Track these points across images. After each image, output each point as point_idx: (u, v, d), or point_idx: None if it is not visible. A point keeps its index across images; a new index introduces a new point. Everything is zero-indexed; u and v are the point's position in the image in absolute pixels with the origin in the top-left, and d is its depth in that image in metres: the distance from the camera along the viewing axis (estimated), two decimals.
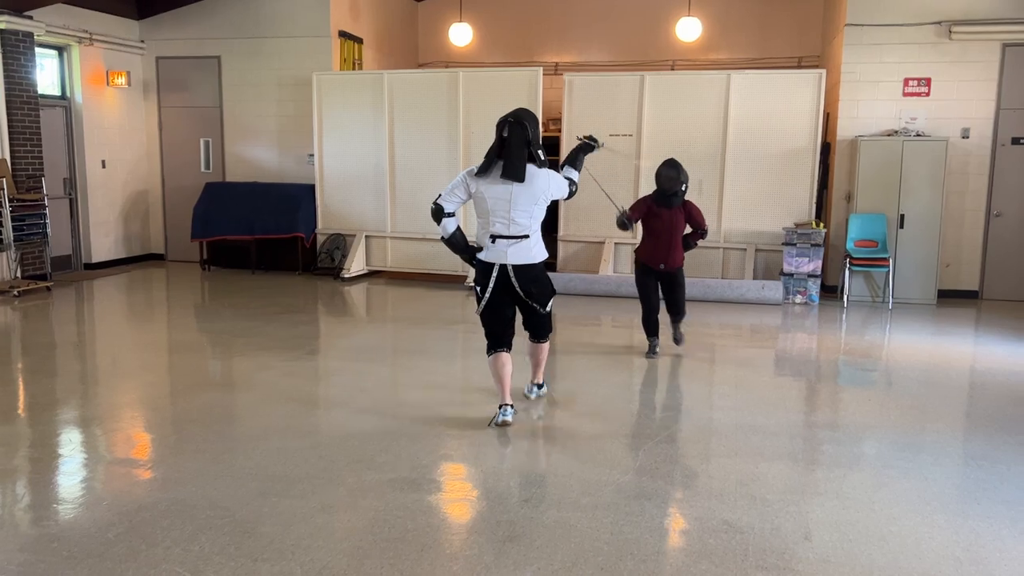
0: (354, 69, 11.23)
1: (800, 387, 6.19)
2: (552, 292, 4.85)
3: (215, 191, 10.87)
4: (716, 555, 3.27)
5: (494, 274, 4.64)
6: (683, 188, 6.35)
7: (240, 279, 10.31)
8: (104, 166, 10.91)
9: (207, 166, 11.47)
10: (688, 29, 10.58)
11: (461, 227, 4.82)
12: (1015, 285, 9.34)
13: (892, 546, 3.36)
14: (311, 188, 10.64)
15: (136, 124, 11.46)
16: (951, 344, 7.42)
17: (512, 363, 4.84)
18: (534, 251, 4.67)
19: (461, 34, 11.39)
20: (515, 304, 4.81)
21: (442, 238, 4.77)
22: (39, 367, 6.30)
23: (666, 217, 6.34)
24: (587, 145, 5.44)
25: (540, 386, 5.32)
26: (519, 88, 9.73)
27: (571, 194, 4.99)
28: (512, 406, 4.81)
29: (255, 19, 11.02)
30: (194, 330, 7.99)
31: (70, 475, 4.16)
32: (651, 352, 6.59)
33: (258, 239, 10.61)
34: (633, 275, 6.92)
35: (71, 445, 4.60)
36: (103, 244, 11.02)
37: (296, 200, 10.53)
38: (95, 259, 10.87)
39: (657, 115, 9.71)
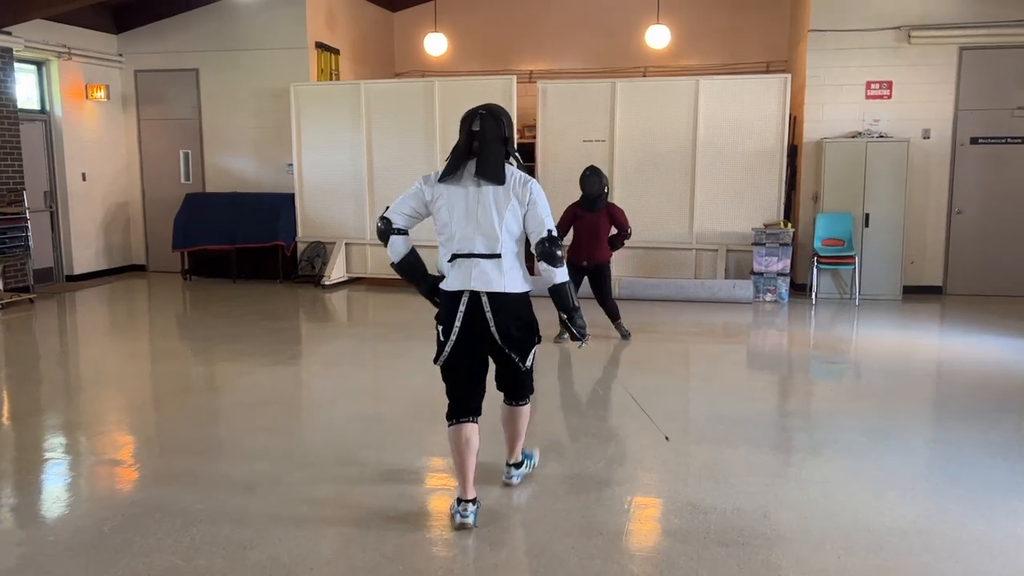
0: (331, 79, 11.40)
1: (769, 379, 6.44)
2: (536, 339, 3.63)
3: (196, 201, 11.00)
4: (680, 533, 3.47)
5: (461, 308, 3.45)
6: (605, 192, 7.14)
7: (222, 288, 10.43)
8: (84, 179, 11.02)
9: (187, 177, 11.59)
10: (657, 36, 10.83)
11: (416, 249, 3.69)
12: (977, 280, 9.64)
13: (844, 520, 3.58)
14: (291, 197, 10.80)
15: (115, 137, 11.57)
16: (916, 337, 7.70)
17: (479, 437, 3.60)
18: (508, 275, 3.46)
19: (435, 44, 11.59)
20: (487, 353, 3.58)
21: (392, 264, 3.65)
22: (26, 376, 6.42)
23: (590, 220, 7.06)
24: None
25: (518, 465, 3.99)
26: (494, 96, 9.85)
27: (544, 254, 3.49)
28: (475, 502, 3.54)
29: (232, 32, 11.17)
30: (178, 338, 8.13)
31: (60, 476, 4.30)
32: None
33: (239, 248, 10.74)
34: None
35: (59, 448, 4.74)
36: (84, 256, 11.11)
37: (276, 209, 10.68)
38: (76, 271, 10.96)
39: (629, 121, 9.95)
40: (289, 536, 3.45)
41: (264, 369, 6.50)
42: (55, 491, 4.11)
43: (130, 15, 11.34)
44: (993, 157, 9.46)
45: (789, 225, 9.40)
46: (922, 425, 5.16)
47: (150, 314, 9.50)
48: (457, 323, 3.46)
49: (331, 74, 11.46)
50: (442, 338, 3.51)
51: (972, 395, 5.75)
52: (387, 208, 3.61)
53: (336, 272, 10.50)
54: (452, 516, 3.54)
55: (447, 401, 3.62)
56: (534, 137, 10.44)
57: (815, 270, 9.34)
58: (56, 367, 6.90)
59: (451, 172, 3.53)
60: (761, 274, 9.29)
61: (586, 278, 7.15)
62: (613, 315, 7.33)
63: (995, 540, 3.40)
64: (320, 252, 10.72)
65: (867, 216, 9.36)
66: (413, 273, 3.65)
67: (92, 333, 8.55)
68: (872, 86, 9.58)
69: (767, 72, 11.67)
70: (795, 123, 10.06)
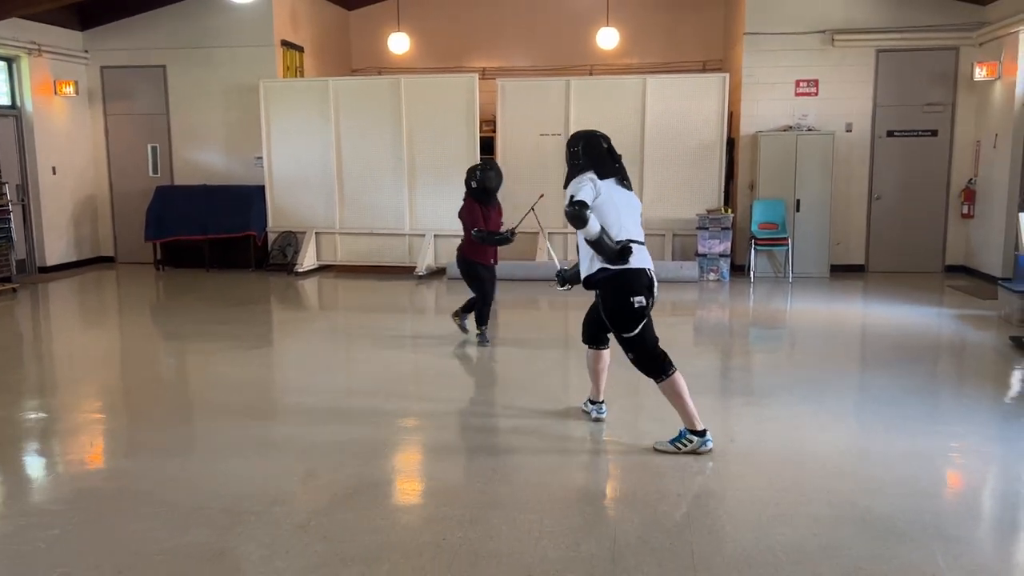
0: (296, 76, 11.90)
1: (719, 343, 7.33)
2: None
3: (167, 194, 11.39)
4: (658, 458, 4.26)
5: (656, 281, 4.32)
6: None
7: (195, 278, 10.86)
8: (55, 172, 11.29)
9: (155, 170, 11.94)
10: (607, 38, 11.66)
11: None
12: (894, 259, 10.74)
13: (796, 442, 4.45)
14: (261, 189, 11.28)
15: (83, 131, 11.85)
16: (843, 308, 8.73)
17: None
18: None
19: (399, 43, 12.17)
20: None
21: (589, 239, 4.16)
22: (24, 358, 6.88)
23: (492, 216, 6.84)
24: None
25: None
26: (457, 93, 10.64)
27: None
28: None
29: (199, 30, 11.56)
30: (165, 324, 8.57)
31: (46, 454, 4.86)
32: (484, 340, 6.90)
33: (211, 239, 11.18)
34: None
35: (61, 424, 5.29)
36: (56, 248, 11.39)
37: (248, 200, 11.15)
38: (49, 262, 11.24)
39: (582, 116, 10.71)
40: (274, 501, 4.10)
41: (244, 352, 7.09)
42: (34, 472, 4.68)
43: (95, 12, 11.61)
44: (906, 148, 10.56)
45: (729, 211, 10.34)
46: (851, 376, 6.10)
47: (133, 302, 9.88)
48: (655, 293, 4.31)
49: (296, 71, 11.95)
50: (644, 310, 4.26)
51: (891, 352, 6.74)
52: (572, 196, 4.16)
53: (308, 260, 11.04)
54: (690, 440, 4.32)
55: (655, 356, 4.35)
56: (492, 131, 11.16)
57: (753, 251, 10.30)
58: (53, 351, 7.35)
59: (608, 175, 4.38)
60: (705, 255, 10.20)
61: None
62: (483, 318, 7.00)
63: (914, 453, 4.29)
64: (291, 241, 11.24)
65: (798, 202, 10.36)
66: (608, 247, 4.17)
67: (81, 319, 8.95)
68: (801, 84, 10.58)
69: (703, 71, 12.64)
70: (732, 118, 11.00)
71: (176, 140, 11.88)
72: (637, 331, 4.29)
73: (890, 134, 10.56)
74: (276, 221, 11.34)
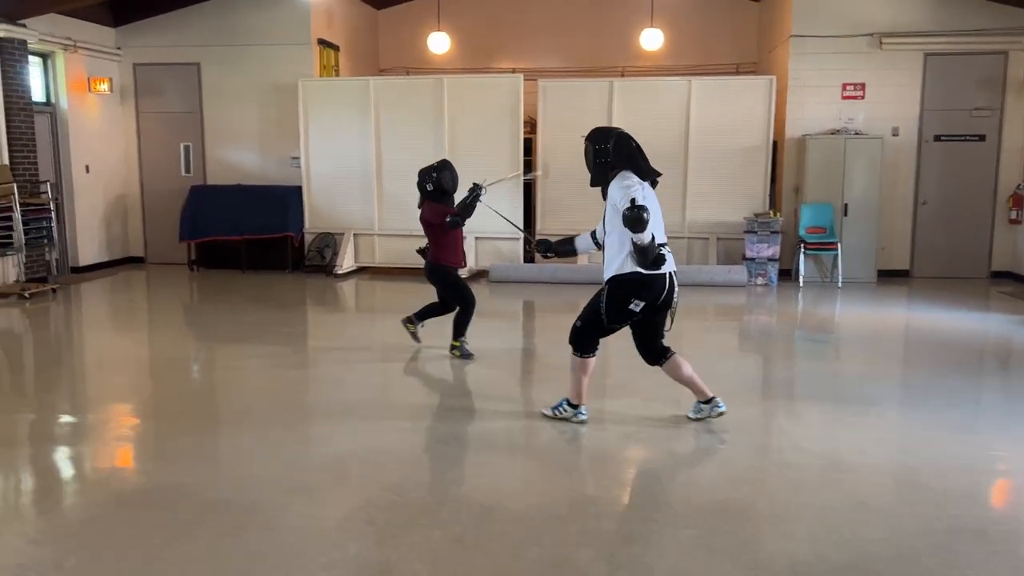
0: (332, 75, 11.74)
1: (789, 348, 7.22)
2: None
3: (202, 193, 11.21)
4: (682, 425, 4.14)
5: (676, 283, 4.52)
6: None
7: (232, 279, 10.68)
8: (88, 171, 11.09)
9: (187, 170, 11.76)
10: (651, 39, 11.56)
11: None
12: (939, 264, 10.66)
13: (921, 452, 4.33)
14: (298, 189, 11.11)
15: (115, 130, 11.65)
16: (903, 313, 8.75)
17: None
18: None
19: (439, 42, 12.04)
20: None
21: (642, 245, 4.26)
22: (81, 361, 6.70)
23: (450, 211, 6.30)
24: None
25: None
26: (500, 93, 10.51)
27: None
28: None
29: (234, 28, 11.38)
30: (212, 324, 8.36)
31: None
32: (467, 353, 6.37)
33: (247, 239, 10.99)
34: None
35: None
36: (89, 248, 11.19)
37: (285, 201, 10.99)
38: (82, 263, 11.04)
39: (625, 117, 10.59)
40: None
41: (300, 353, 6.93)
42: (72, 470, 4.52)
43: (128, 9, 11.43)
44: (953, 153, 10.49)
45: (778, 215, 10.24)
46: (898, 375, 6.05)
47: (172, 303, 9.70)
48: (663, 295, 4.46)
49: (332, 70, 11.80)
50: (633, 308, 4.45)
51: (935, 354, 6.75)
52: (633, 199, 4.21)
53: (347, 262, 10.88)
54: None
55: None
56: (530, 132, 11.03)
57: (801, 256, 10.20)
58: (105, 352, 7.18)
59: (645, 176, 4.45)
60: (753, 259, 10.09)
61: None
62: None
63: None
64: (329, 243, 11.07)
65: (846, 206, 10.26)
66: (653, 249, 4.33)
67: (125, 320, 8.78)
68: (847, 87, 10.49)
69: (737, 73, 12.55)
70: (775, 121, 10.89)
71: (209, 139, 11.70)
72: (608, 324, 4.54)
73: (937, 139, 10.48)
74: (313, 222, 11.17)
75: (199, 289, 10.28)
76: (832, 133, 10.39)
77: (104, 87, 11.13)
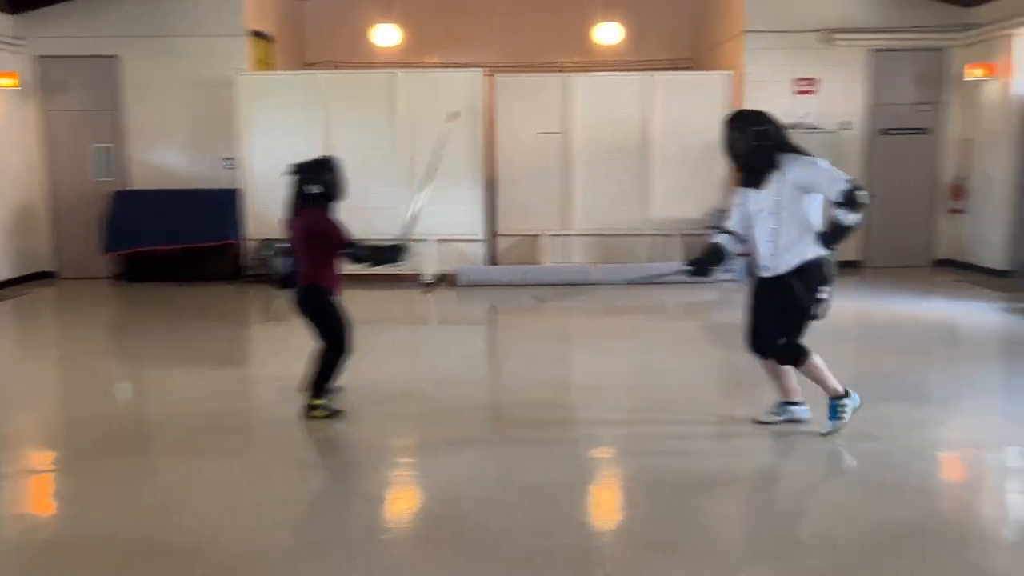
0: (268, 69, 10.91)
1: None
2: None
3: (129, 199, 10.16)
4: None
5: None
6: None
7: (167, 292, 9.72)
8: None
9: (106, 173, 10.62)
10: (608, 32, 11.40)
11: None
12: (886, 254, 10.99)
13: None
14: (239, 192, 10.25)
15: (17, 130, 10.38)
16: (879, 304, 8.92)
17: None
18: None
19: (387, 35, 11.43)
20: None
21: (848, 227, 4.29)
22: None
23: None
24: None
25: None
26: (458, 89, 10.02)
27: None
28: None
29: (157, 18, 10.37)
30: (148, 347, 7.43)
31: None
32: (334, 411, 5.05)
33: (184, 248, 10.03)
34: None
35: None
36: None
37: (225, 205, 10.12)
38: None
39: (583, 114, 10.36)
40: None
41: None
42: None
43: None
44: (898, 146, 10.83)
45: None
46: (850, 360, 6.05)
47: (95, 323, 8.67)
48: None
49: (267, 64, 10.96)
50: (824, 294, 4.41)
51: (885, 339, 7.19)
52: (850, 180, 4.24)
53: None
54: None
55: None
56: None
57: None
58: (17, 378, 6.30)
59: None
60: None
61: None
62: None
63: None
64: (276, 250, 10.25)
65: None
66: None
67: (45, 345, 7.75)
68: (800, 82, 10.64)
69: (672, 68, 12.53)
70: None
71: (132, 140, 10.62)
72: (813, 316, 4.40)
73: (885, 132, 10.79)
74: (256, 228, 10.32)
75: (128, 306, 9.28)
76: (791, 127, 10.47)
77: (8, 82, 9.88)
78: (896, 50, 10.58)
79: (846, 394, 4.55)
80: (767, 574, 3.23)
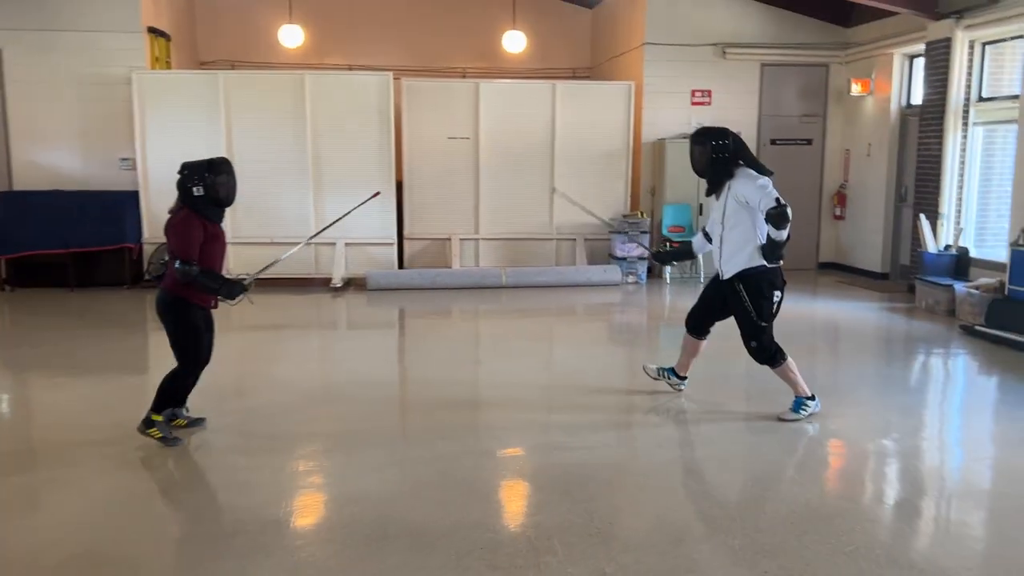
0: (164, 67, 10.56)
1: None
2: None
3: (13, 201, 9.64)
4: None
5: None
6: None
7: (57, 299, 9.27)
8: None
9: None
10: (513, 41, 11.56)
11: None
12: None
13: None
14: (135, 195, 9.88)
15: None
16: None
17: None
18: None
19: (291, 35, 11.24)
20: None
21: (781, 241, 4.66)
22: None
23: (218, 241, 4.75)
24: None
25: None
26: (368, 92, 9.99)
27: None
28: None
29: (44, 10, 9.88)
30: (40, 356, 7.14)
31: None
32: (172, 439, 4.65)
33: (76, 252, 9.59)
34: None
35: None
36: None
37: (120, 208, 9.73)
38: None
39: (490, 120, 10.51)
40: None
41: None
42: None
43: None
44: (786, 156, 11.45)
45: (644, 215, 10.62)
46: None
47: None
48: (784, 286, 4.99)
49: (164, 62, 10.61)
50: (775, 297, 4.90)
51: (793, 337, 7.29)
52: (777, 199, 4.62)
53: None
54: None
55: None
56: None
57: None
58: None
59: (764, 173, 4.88)
60: (624, 259, 10.39)
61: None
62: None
63: None
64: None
65: (700, 206, 10.86)
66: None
67: None
68: (696, 94, 11.12)
69: (575, 78, 12.89)
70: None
71: (15, 138, 10.08)
72: (767, 319, 4.83)
73: (773, 142, 11.40)
74: (153, 231, 9.96)
75: (13, 313, 8.79)
76: (684, 137, 10.94)
77: None
78: (784, 65, 11.21)
79: (812, 397, 5.04)
80: (699, 551, 3.43)
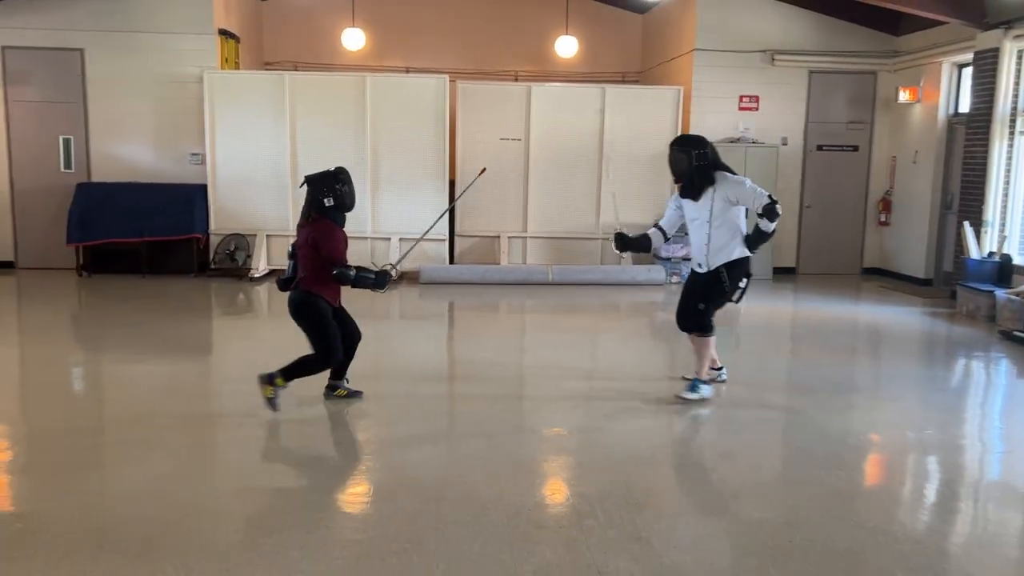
0: (234, 67, 11.13)
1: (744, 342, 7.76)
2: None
3: (92, 192, 10.26)
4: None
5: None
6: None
7: (131, 285, 9.85)
8: None
9: (68, 165, 10.70)
10: (566, 46, 11.89)
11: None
12: (820, 262, 11.77)
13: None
14: (203, 188, 10.45)
15: None
16: (781, 304, 9.69)
17: None
18: None
19: (354, 39, 11.74)
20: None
21: (769, 234, 5.32)
22: None
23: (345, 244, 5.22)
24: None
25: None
26: (425, 94, 10.43)
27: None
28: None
29: (124, 13, 10.50)
30: (110, 337, 7.60)
31: None
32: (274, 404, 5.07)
33: (148, 241, 10.18)
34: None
35: None
36: None
37: (191, 200, 10.31)
38: None
39: (542, 122, 10.87)
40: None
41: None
42: None
43: None
44: (832, 161, 11.62)
45: None
46: (787, 353, 6.71)
47: (55, 314, 8.75)
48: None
49: (233, 62, 11.17)
50: (744, 283, 5.42)
51: (817, 337, 7.70)
52: (769, 195, 5.26)
53: (261, 264, 10.37)
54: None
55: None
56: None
57: None
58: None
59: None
60: (669, 259, 10.67)
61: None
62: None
63: None
64: (240, 244, 10.49)
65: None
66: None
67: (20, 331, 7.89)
68: (744, 99, 11.34)
69: (624, 82, 13.18)
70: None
71: (95, 132, 10.71)
72: (726, 301, 5.40)
73: (819, 148, 11.57)
74: (220, 222, 10.54)
75: (89, 297, 9.38)
76: (731, 141, 11.18)
77: None
78: (832, 72, 11.36)
79: (707, 383, 5.45)
80: (728, 522, 3.75)
